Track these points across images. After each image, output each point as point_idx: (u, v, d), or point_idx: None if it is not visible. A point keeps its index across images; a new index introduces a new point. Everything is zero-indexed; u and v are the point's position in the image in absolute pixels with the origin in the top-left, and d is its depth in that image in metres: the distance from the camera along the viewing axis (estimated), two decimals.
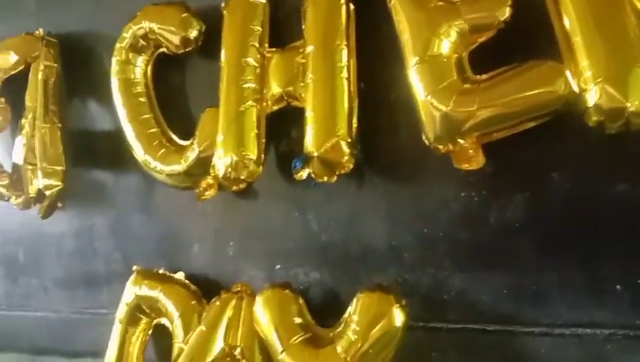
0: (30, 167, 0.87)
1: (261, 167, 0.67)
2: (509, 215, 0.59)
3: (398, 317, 0.59)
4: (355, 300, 0.61)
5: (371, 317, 0.60)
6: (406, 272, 0.65)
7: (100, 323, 0.87)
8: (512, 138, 0.55)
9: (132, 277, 0.79)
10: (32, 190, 0.87)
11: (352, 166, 0.62)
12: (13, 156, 0.92)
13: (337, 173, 0.62)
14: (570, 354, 0.57)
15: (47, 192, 0.81)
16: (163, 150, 0.75)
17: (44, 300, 0.98)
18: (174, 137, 0.76)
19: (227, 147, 0.67)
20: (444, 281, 0.63)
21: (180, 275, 0.78)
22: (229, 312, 0.70)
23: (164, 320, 0.76)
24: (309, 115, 0.62)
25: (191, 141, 0.73)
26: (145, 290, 0.77)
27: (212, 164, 0.69)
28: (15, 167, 0.91)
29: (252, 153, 0.66)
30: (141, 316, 0.78)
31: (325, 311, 0.68)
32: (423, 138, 0.56)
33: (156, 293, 0.76)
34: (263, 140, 0.68)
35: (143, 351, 0.79)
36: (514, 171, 0.59)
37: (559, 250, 0.57)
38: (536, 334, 0.58)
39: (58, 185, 0.81)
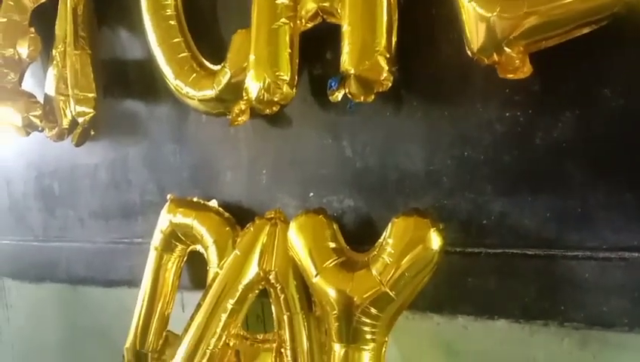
0: (62, 97, 0.86)
1: (295, 88, 0.65)
2: (556, 135, 0.56)
3: (435, 240, 0.57)
4: (390, 224, 0.60)
5: (407, 241, 0.58)
6: (444, 197, 0.63)
7: (135, 253, 0.89)
8: (562, 50, 0.51)
9: (166, 206, 0.79)
10: (65, 121, 0.87)
11: (390, 84, 0.59)
12: (45, 87, 0.92)
13: (375, 91, 0.59)
14: (616, 278, 0.55)
15: (80, 119, 0.80)
16: (194, 75, 0.73)
17: (81, 231, 1.00)
18: (205, 62, 0.74)
19: (259, 67, 0.65)
20: (484, 206, 0.61)
21: (213, 203, 0.78)
22: (262, 238, 0.70)
23: (198, 247, 0.77)
24: (346, 30, 0.59)
25: (222, 65, 0.71)
26: (179, 218, 0.77)
27: (244, 87, 0.67)
28: (47, 98, 0.91)
29: (285, 73, 0.64)
30: (176, 243, 0.79)
31: (359, 238, 0.67)
32: (466, 50, 0.53)
33: (190, 221, 0.76)
34: (297, 60, 0.65)
35: (178, 277, 0.80)
36: (562, 88, 0.55)
37: (608, 172, 0.54)
38: (580, 258, 0.56)
39: (90, 112, 0.80)
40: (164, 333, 0.80)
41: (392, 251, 0.58)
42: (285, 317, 0.67)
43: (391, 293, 0.57)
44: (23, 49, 0.88)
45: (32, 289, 1.13)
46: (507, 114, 0.58)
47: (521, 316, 0.60)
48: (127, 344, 0.79)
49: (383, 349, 0.60)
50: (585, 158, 0.55)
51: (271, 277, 0.68)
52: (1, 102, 0.92)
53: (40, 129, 0.91)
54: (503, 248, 0.60)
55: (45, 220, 1.05)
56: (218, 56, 0.73)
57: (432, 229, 0.57)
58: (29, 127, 0.88)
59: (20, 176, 1.08)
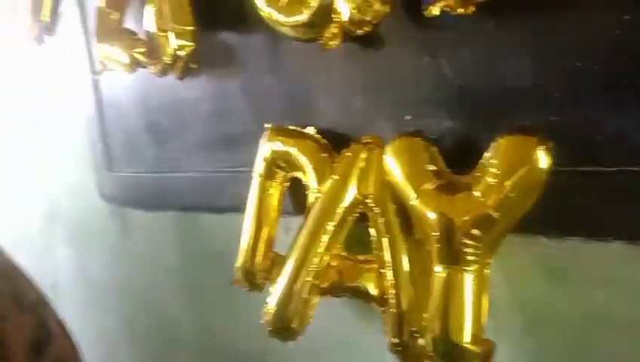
0: (162, 33, 0.89)
1: (388, 5, 0.62)
2: None
3: (543, 159, 0.54)
4: (493, 144, 0.58)
5: (512, 160, 0.56)
6: (553, 114, 0.59)
7: (239, 180, 0.93)
8: None
9: (266, 135, 0.82)
10: (167, 56, 0.90)
11: None
12: (144, 25, 0.95)
13: (474, 2, 0.55)
14: None
15: (181, 53, 0.83)
16: (285, 1, 0.72)
17: (188, 162, 1.05)
18: None
19: None
20: (597, 121, 0.56)
21: (310, 130, 0.78)
22: (359, 163, 0.70)
23: (298, 173, 0.79)
24: None
25: None
26: (279, 146, 0.79)
27: (334, 8, 0.65)
28: (148, 34, 0.94)
29: None
30: (277, 170, 0.81)
31: (460, 160, 0.64)
32: None
33: (289, 148, 0.78)
34: None
35: (281, 202, 0.83)
36: None
37: None
38: None
39: (190, 45, 0.83)
40: (270, 254, 0.84)
41: (496, 172, 0.56)
42: (385, 240, 0.68)
43: (495, 215, 0.56)
44: None
45: (150, 217, 1.23)
46: (626, 17, 0.52)
47: (638, 237, 0.56)
48: (238, 263, 0.85)
49: (487, 271, 0.60)
50: None
51: (369, 201, 0.69)
52: (107, 42, 0.98)
53: (144, 65, 0.95)
54: (618, 166, 0.55)
55: (156, 153, 1.12)
56: None
57: (539, 148, 0.54)
58: (134, 64, 0.93)
59: (131, 112, 1.15)
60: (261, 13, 0.75)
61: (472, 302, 0.60)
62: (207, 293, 1.16)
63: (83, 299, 1.61)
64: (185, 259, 1.19)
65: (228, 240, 1.04)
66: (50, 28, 1.07)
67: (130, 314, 1.43)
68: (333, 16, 0.66)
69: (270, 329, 0.74)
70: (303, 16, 0.70)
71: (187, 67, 0.86)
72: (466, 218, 0.58)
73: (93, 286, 1.52)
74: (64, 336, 0.52)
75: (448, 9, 0.56)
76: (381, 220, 0.68)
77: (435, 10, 0.57)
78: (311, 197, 0.75)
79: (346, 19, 0.63)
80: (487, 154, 0.59)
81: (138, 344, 1.44)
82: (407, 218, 0.67)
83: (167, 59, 0.90)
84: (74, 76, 1.29)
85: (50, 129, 1.55)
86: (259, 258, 0.83)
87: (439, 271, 0.60)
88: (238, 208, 0.93)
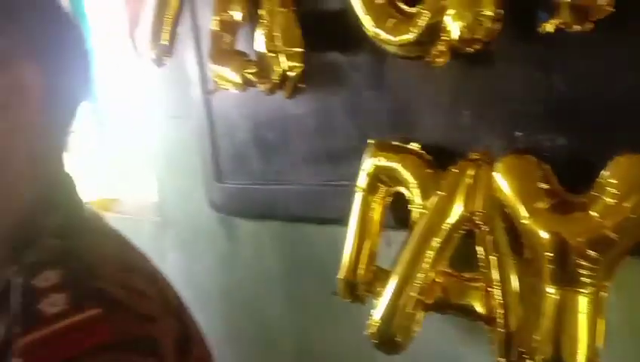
0: (272, 54, 0.94)
1: (500, 23, 0.62)
2: None
3: None
4: (611, 163, 0.56)
5: (633, 181, 0.54)
6: None
7: (342, 194, 0.95)
8: None
9: (369, 150, 0.84)
10: (275, 75, 0.95)
11: (611, 9, 0.53)
12: (255, 46, 1.01)
13: (593, 19, 0.54)
14: None
15: (291, 73, 0.87)
16: (392, 21, 0.74)
17: (293, 175, 1.10)
18: (402, 5, 0.75)
19: (460, 6, 0.63)
20: None
21: (414, 145, 0.79)
22: (467, 179, 0.70)
23: (401, 188, 0.80)
24: None
25: (420, 7, 0.71)
26: (382, 161, 0.81)
27: (444, 27, 0.66)
28: (258, 55, 1.00)
29: (489, 9, 0.61)
30: (379, 184, 0.83)
31: (574, 179, 0.63)
32: None
33: (393, 163, 0.79)
34: None
35: (383, 216, 0.84)
36: None
37: None
38: None
39: (300, 66, 0.87)
40: (372, 267, 0.85)
41: (615, 192, 0.54)
42: (493, 258, 0.67)
43: (613, 236, 0.54)
44: (237, 12, 0.98)
45: (255, 226, 1.29)
46: None
47: None
48: (340, 275, 0.87)
49: (603, 294, 0.57)
50: None
51: (476, 218, 0.69)
52: (220, 63, 1.05)
53: (254, 84, 1.00)
54: None
55: (263, 165, 1.18)
56: None
57: None
58: (246, 84, 0.99)
59: (240, 127, 1.22)
60: (368, 33, 0.77)
61: (586, 326, 0.58)
62: (309, 302, 1.19)
63: (188, 301, 1.71)
64: (288, 267, 1.23)
65: (330, 252, 1.07)
66: (168, 51, 1.16)
67: (232, 317, 1.50)
68: (441, 34, 0.67)
69: (375, 341, 0.75)
70: (411, 35, 0.71)
71: (296, 87, 0.90)
72: (582, 239, 0.56)
73: (198, 289, 1.61)
74: (202, 340, 0.56)
75: (564, 26, 0.55)
76: (489, 238, 0.67)
77: (549, 28, 0.56)
78: (415, 212, 0.76)
79: (456, 37, 0.64)
80: (604, 173, 0.57)
81: (239, 347, 1.51)
82: (516, 237, 0.66)
83: (275, 78, 0.95)
84: (187, 94, 1.39)
85: (165, 143, 1.68)
86: (361, 270, 0.85)
87: (552, 292, 0.59)
88: (341, 220, 0.96)
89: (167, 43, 1.15)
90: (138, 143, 1.85)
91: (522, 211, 0.61)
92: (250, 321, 1.43)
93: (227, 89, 1.06)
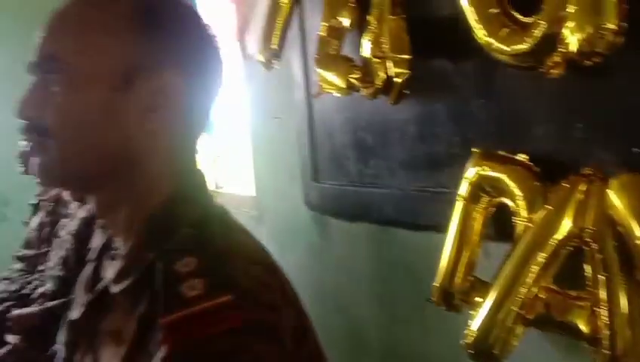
0: (376, 60, 0.96)
1: (621, 36, 0.60)
2: None
3: None
4: None
5: None
6: None
7: (440, 201, 0.96)
8: None
9: (472, 159, 0.83)
10: (379, 81, 0.97)
11: None
12: (361, 51, 1.03)
13: None
14: None
15: (396, 80, 0.89)
16: (506, 30, 0.73)
17: (391, 179, 1.11)
18: (516, 14, 0.74)
19: (581, 18, 0.61)
20: None
21: (522, 156, 0.78)
22: (578, 195, 0.68)
23: (505, 200, 0.79)
24: None
25: (536, 17, 0.69)
26: (487, 170, 0.80)
27: (562, 38, 0.65)
28: (363, 60, 1.02)
29: (611, 22, 0.59)
30: (482, 194, 0.82)
31: None
32: None
33: (498, 174, 0.78)
34: (625, 4, 0.60)
35: (484, 226, 0.84)
36: None
37: None
38: None
39: (406, 73, 0.88)
40: (469, 278, 0.85)
41: None
42: (602, 278, 0.65)
43: None
44: (345, 19, 1.01)
45: (348, 227, 1.32)
46: None
47: None
48: (436, 283, 0.87)
49: None
50: None
51: (585, 235, 0.67)
52: (327, 68, 1.08)
53: (357, 89, 1.03)
54: None
55: (360, 168, 1.20)
56: (528, 7, 0.71)
57: None
58: (350, 88, 1.01)
59: (339, 130, 1.25)
60: (479, 41, 0.77)
61: None
62: (398, 305, 1.20)
63: None
64: (378, 269, 1.25)
65: (423, 258, 1.07)
66: (278, 55, 1.21)
67: (320, 314, 1.54)
68: (558, 45, 0.66)
69: (471, 351, 0.75)
70: (525, 45, 0.70)
71: (401, 93, 0.92)
72: None
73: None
74: (313, 331, 0.59)
75: None
76: (599, 256, 0.65)
77: None
78: (519, 225, 0.74)
79: (575, 50, 0.62)
80: None
81: (324, 341, 1.54)
82: (628, 257, 0.63)
83: (379, 83, 0.97)
84: (290, 96, 1.45)
85: (266, 142, 1.75)
86: (458, 280, 0.85)
87: None
88: (436, 227, 0.96)
89: (276, 47, 1.20)
90: (240, 141, 1.94)
91: (637, 231, 0.59)
92: (338, 317, 1.46)
93: (331, 92, 1.09)
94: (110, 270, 0.60)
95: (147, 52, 0.57)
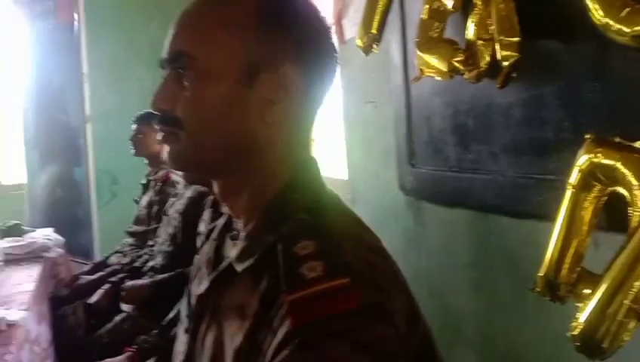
0: (483, 42, 0.94)
1: None
2: None
3: None
4: None
5: None
6: None
7: (546, 188, 0.92)
8: None
9: (585, 145, 0.79)
10: (484, 64, 0.95)
11: None
12: (466, 33, 1.01)
13: None
14: None
15: (504, 63, 0.86)
16: (627, 10, 0.69)
17: (492, 164, 1.09)
18: None
19: None
20: None
21: (639, 145, 0.74)
22: None
23: (620, 189, 0.75)
24: None
25: None
26: (600, 158, 0.76)
27: None
28: (467, 43, 1.00)
29: None
30: (594, 183, 0.78)
31: None
32: None
33: (613, 162, 0.74)
34: None
35: (596, 216, 0.80)
36: None
37: None
38: None
39: (514, 56, 0.86)
40: (577, 269, 0.82)
41: None
42: None
43: None
44: (449, 0, 0.99)
45: (445, 212, 1.31)
46: None
47: None
48: (541, 272, 0.85)
49: None
50: None
51: None
52: (429, 51, 1.07)
53: (460, 72, 1.01)
54: None
55: (459, 153, 1.19)
56: None
57: None
58: (452, 72, 1.00)
59: (439, 114, 1.24)
60: (596, 22, 0.73)
61: None
62: (496, 294, 1.18)
63: None
64: (476, 257, 1.23)
65: (524, 246, 1.04)
66: (377, 39, 1.22)
67: (415, 298, 1.55)
68: None
69: (577, 344, 0.73)
70: None
71: (509, 76, 0.89)
72: None
73: None
74: (422, 316, 0.60)
75: None
76: None
77: None
78: (636, 216, 0.71)
79: None
80: None
81: None
82: None
83: (484, 66, 0.95)
84: (387, 80, 1.44)
85: (361, 126, 1.76)
86: (564, 271, 0.82)
87: None
88: (540, 215, 0.93)
89: (376, 32, 1.20)
90: (335, 124, 1.97)
91: None
92: (432, 304, 1.45)
93: (432, 76, 1.08)
94: (233, 249, 0.64)
95: (269, 48, 0.60)
